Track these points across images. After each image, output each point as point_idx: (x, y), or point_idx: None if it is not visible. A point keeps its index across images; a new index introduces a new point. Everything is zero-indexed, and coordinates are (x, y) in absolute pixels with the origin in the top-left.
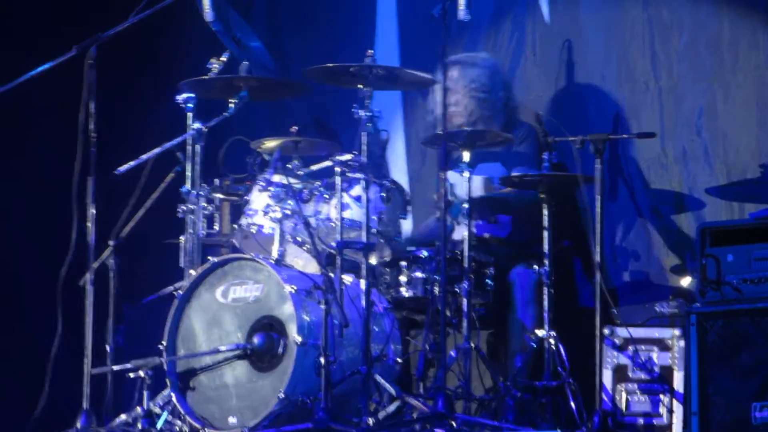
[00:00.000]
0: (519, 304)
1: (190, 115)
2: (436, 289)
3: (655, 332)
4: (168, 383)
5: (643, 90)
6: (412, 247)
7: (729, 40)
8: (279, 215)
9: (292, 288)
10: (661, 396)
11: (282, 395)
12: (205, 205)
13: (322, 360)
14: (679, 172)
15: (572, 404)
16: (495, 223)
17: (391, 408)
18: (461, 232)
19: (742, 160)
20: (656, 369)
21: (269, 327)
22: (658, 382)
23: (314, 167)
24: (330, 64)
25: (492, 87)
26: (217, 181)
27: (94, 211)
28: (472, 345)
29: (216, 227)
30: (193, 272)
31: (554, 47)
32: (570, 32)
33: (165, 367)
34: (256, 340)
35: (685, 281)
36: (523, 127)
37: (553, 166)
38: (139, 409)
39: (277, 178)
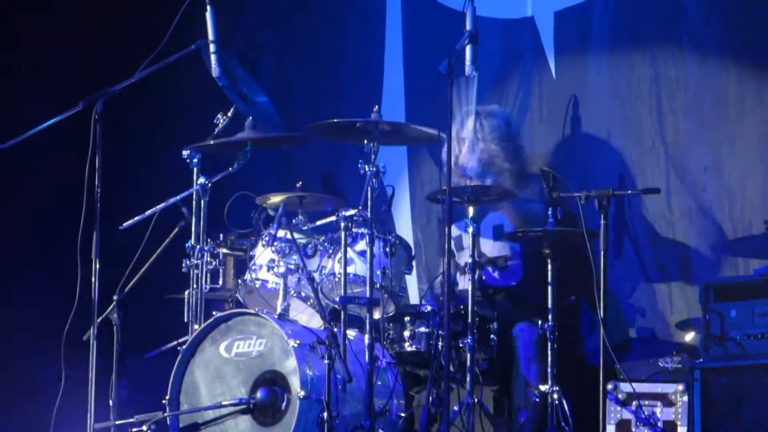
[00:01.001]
0: (522, 359)
1: (195, 170)
2: (440, 344)
3: (659, 387)
4: None
5: (649, 146)
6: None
7: (735, 96)
8: (283, 270)
9: (296, 343)
10: None
11: None
12: (210, 259)
13: (325, 415)
14: (684, 228)
15: None
16: (505, 270)
17: None
18: (463, 282)
19: (746, 216)
20: (659, 424)
21: (272, 382)
22: None
23: (319, 222)
24: (335, 120)
25: (510, 137)
26: (221, 236)
27: (98, 266)
28: (476, 400)
29: (220, 282)
30: (197, 327)
31: (560, 103)
32: (576, 88)
33: (168, 421)
34: (259, 394)
35: (689, 337)
36: (533, 181)
37: (558, 221)
38: None
39: (281, 233)
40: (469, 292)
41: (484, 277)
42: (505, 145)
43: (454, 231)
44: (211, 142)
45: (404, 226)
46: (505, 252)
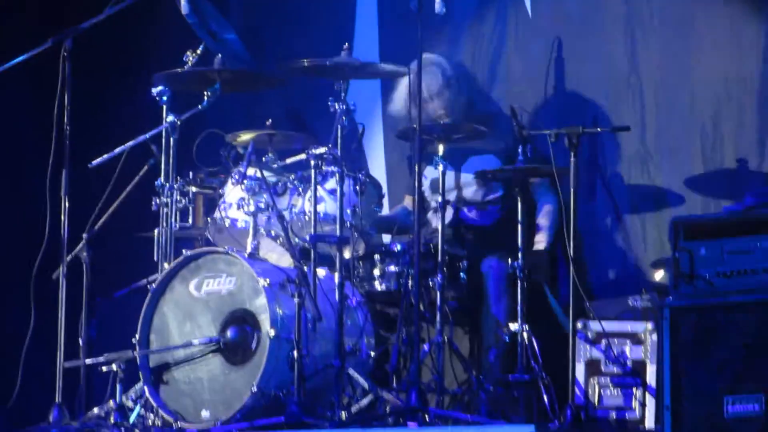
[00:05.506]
0: (492, 297)
1: (164, 108)
2: (410, 283)
3: (628, 326)
4: (141, 377)
5: (624, 84)
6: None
7: (706, 29)
8: (253, 209)
9: (266, 281)
10: (634, 390)
11: (255, 389)
12: (179, 198)
13: (296, 354)
14: (657, 166)
15: (545, 398)
16: (484, 210)
17: (364, 402)
18: (436, 221)
19: (719, 154)
20: (629, 363)
21: (242, 320)
22: (630, 376)
23: (289, 160)
24: (305, 62)
25: (458, 85)
26: (191, 174)
27: (67, 204)
28: (446, 339)
29: (190, 221)
30: (166, 265)
31: (535, 42)
32: (552, 27)
33: (138, 360)
34: (229, 333)
35: (660, 275)
36: (503, 121)
37: (528, 159)
38: (111, 402)
39: (251, 171)
40: (439, 230)
41: (459, 216)
42: (449, 97)
43: (431, 173)
44: (180, 70)
45: (377, 164)
46: (487, 197)
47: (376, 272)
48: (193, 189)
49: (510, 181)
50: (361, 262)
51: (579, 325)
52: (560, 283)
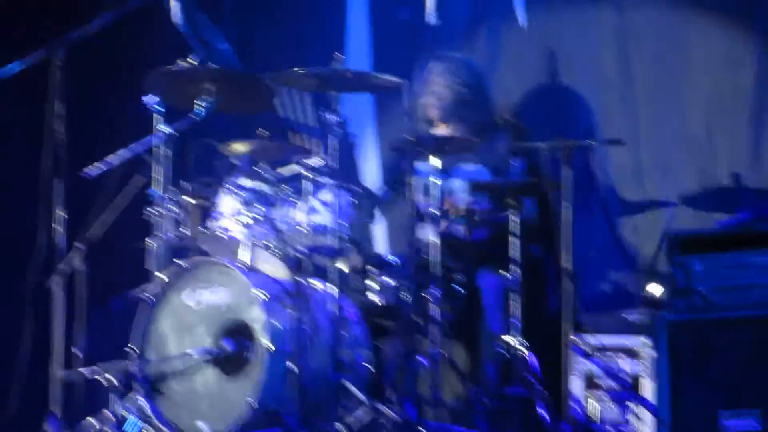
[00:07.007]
0: (488, 310)
1: (158, 117)
2: (406, 296)
3: (624, 340)
4: (137, 387)
5: (617, 98)
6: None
7: (699, 47)
8: (248, 219)
9: (261, 293)
10: (630, 404)
11: (251, 401)
12: (174, 208)
13: (291, 365)
14: (652, 180)
15: (541, 412)
16: (476, 226)
17: (361, 415)
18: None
19: (713, 167)
20: (625, 377)
21: (239, 332)
22: (626, 391)
23: (282, 170)
24: (298, 69)
25: (475, 87)
26: (185, 185)
27: (62, 214)
28: (443, 353)
29: (184, 231)
30: (161, 276)
31: (529, 53)
32: (545, 38)
33: (134, 371)
34: (225, 345)
35: (655, 289)
36: (501, 133)
37: (522, 173)
38: (107, 412)
39: (245, 181)
40: (429, 242)
41: (450, 230)
42: (467, 92)
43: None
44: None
45: (372, 175)
46: (472, 205)
47: (372, 284)
48: (188, 199)
49: (502, 194)
50: (356, 274)
51: (574, 338)
52: (553, 294)
